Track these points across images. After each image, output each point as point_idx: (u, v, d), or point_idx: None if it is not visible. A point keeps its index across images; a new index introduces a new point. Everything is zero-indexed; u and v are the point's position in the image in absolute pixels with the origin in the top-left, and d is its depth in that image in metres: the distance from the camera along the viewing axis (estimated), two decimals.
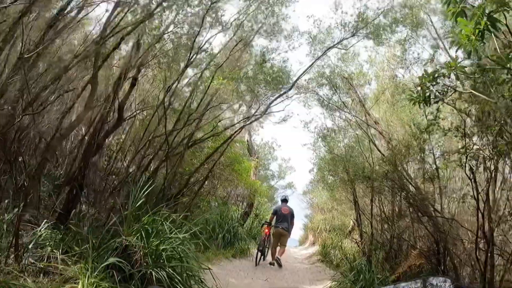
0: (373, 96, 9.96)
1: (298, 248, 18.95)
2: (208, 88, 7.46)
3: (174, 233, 4.56)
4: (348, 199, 12.25)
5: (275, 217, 9.47)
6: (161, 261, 4.28)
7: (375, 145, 8.16)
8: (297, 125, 23.36)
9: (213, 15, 8.36)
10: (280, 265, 9.14)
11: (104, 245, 4.29)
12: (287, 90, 8.49)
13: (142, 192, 4.76)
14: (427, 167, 6.69)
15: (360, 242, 10.56)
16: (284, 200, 10.04)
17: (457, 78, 4.58)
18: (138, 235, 4.31)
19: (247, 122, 8.56)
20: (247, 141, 16.17)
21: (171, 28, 8.01)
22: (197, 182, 8.81)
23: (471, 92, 3.88)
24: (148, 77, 9.81)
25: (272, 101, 8.52)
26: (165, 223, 4.44)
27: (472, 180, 4.93)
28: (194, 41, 7.04)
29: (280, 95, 8.54)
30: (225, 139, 8.13)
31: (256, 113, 8.62)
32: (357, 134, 9.48)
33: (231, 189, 15.21)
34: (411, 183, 6.71)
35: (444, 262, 6.64)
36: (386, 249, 8.67)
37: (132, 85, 8.18)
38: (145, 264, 4.24)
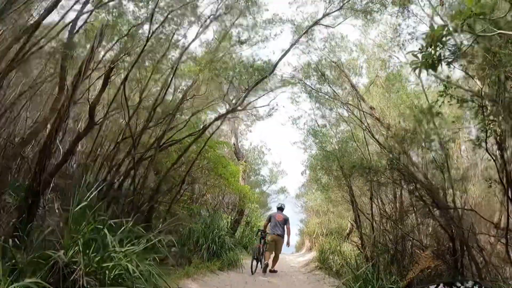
0: (366, 81, 9.07)
1: (294, 255, 17.89)
2: (175, 72, 6.48)
3: (127, 245, 3.54)
4: (344, 199, 11.36)
5: (269, 223, 9.49)
6: (108, 282, 3.25)
7: (372, 135, 7.21)
8: (285, 122, 22.46)
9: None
10: (274, 271, 9.06)
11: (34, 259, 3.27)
12: (269, 73, 7.55)
13: (88, 196, 3.75)
14: (436, 153, 5.76)
15: (360, 245, 9.63)
16: (280, 209, 9.91)
17: (473, 32, 3.70)
18: (76, 248, 3.29)
19: (225, 113, 7.57)
20: (234, 144, 15.19)
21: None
22: (173, 187, 7.76)
23: (500, 33, 2.96)
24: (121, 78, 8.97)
25: (253, 86, 7.57)
26: (108, 234, 3.39)
27: (500, 159, 3.97)
28: (151, 20, 6.07)
29: (262, 79, 7.58)
30: (199, 133, 7.08)
31: (236, 104, 7.66)
32: (351, 124, 8.59)
33: (220, 196, 14.26)
34: (419, 173, 5.75)
35: (461, 262, 5.70)
36: (391, 251, 7.74)
37: (104, 85, 7.31)
38: (87, 286, 3.22)
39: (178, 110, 7.16)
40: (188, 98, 7.19)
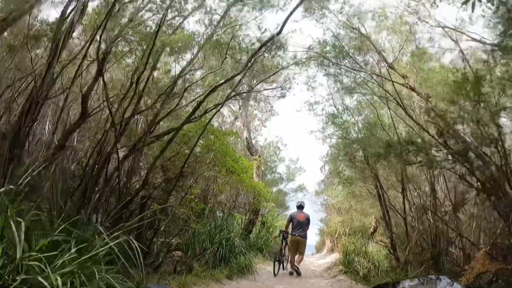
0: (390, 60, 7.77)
1: (314, 256, 16.53)
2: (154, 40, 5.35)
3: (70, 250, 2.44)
4: (370, 193, 10.07)
5: (291, 224, 9.21)
6: None
7: (406, 111, 5.94)
8: (300, 108, 21.25)
9: None
10: (299, 274, 8.49)
11: None
12: (277, 34, 6.37)
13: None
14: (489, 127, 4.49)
15: (390, 246, 8.36)
16: (300, 207, 9.57)
17: None
18: None
19: (224, 82, 6.42)
20: (246, 138, 14.03)
21: None
22: (167, 181, 6.63)
23: None
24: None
25: (259, 48, 6.36)
26: (16, 232, 2.27)
27: None
28: None
29: (269, 40, 6.42)
30: (193, 109, 5.86)
31: (240, 72, 6.53)
32: (377, 105, 7.38)
33: (234, 195, 13.12)
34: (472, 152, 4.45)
35: None
36: (432, 252, 6.49)
37: (98, 73, 6.34)
38: None
39: (172, 93, 6.06)
40: (184, 74, 6.08)
